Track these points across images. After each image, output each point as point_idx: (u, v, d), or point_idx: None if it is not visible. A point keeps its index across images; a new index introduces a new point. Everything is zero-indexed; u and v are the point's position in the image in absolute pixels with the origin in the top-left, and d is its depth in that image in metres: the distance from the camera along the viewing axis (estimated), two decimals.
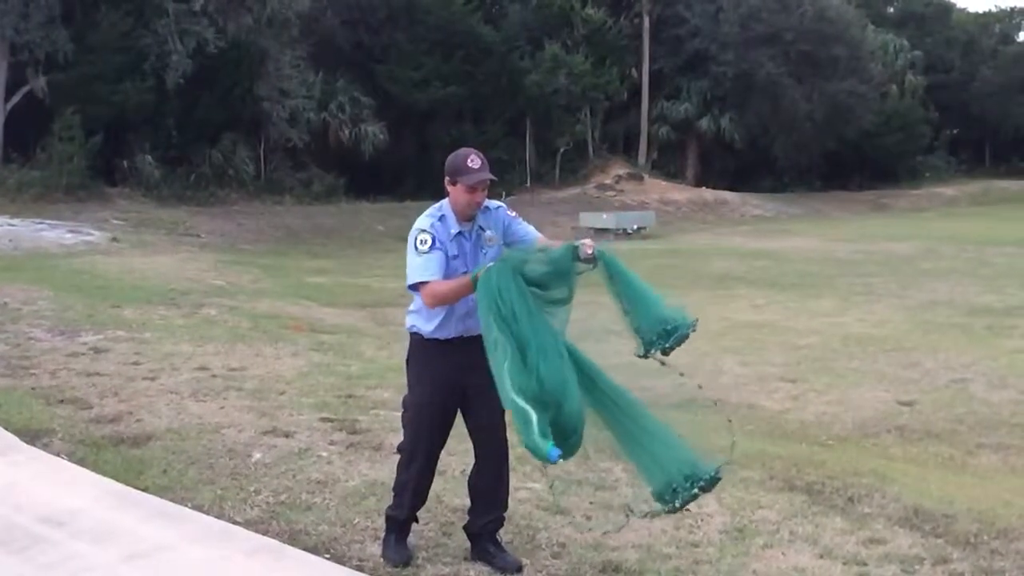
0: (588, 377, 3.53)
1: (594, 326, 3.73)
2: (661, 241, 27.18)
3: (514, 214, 3.92)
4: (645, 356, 3.54)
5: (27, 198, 23.88)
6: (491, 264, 3.54)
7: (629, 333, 3.54)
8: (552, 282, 3.53)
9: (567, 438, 3.34)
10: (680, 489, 3.31)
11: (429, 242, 3.70)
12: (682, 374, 3.70)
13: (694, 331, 3.57)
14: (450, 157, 3.81)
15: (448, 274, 3.69)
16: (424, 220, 3.77)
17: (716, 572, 3.86)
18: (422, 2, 33.67)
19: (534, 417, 3.22)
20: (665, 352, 3.54)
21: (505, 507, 3.95)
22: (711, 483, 3.36)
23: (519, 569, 3.82)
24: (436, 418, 3.84)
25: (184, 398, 6.43)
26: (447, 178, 3.77)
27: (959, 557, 4.06)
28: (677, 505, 3.36)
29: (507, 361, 3.32)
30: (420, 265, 3.68)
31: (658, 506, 3.40)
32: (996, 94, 50.99)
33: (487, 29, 35.35)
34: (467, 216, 3.79)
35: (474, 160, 3.73)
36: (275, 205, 28.67)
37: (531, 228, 3.94)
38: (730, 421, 3.54)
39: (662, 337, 3.52)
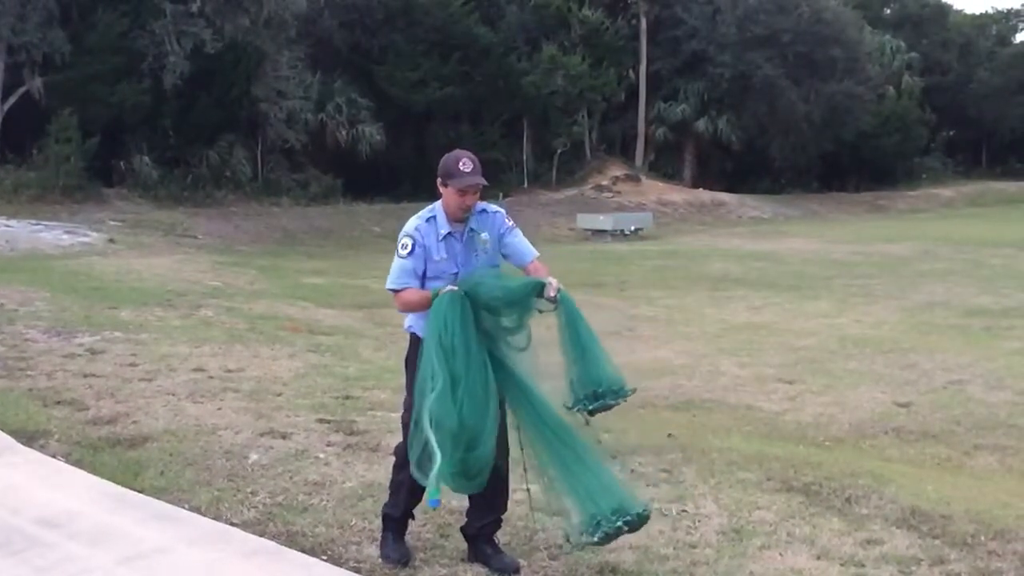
0: (533, 409, 3.59)
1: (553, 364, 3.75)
2: (658, 242, 27.19)
3: (512, 223, 3.89)
4: (570, 410, 3.59)
5: (24, 199, 23.83)
6: (448, 289, 3.60)
7: (564, 381, 3.62)
8: (504, 310, 3.61)
9: (471, 478, 3.48)
10: (604, 522, 3.38)
11: (409, 247, 3.75)
12: (600, 437, 3.85)
13: (624, 401, 3.65)
14: (444, 158, 3.81)
15: (435, 275, 3.73)
16: (412, 222, 3.81)
17: (713, 573, 3.86)
18: (419, 3, 33.65)
19: (437, 462, 3.32)
20: (591, 413, 3.60)
21: (504, 509, 3.95)
22: (638, 520, 3.45)
23: (517, 570, 3.82)
24: None
25: (181, 399, 6.43)
26: (439, 179, 3.78)
27: (956, 558, 4.06)
28: (598, 538, 3.43)
29: (434, 393, 3.39)
30: (396, 270, 3.77)
31: (584, 538, 3.45)
32: (993, 96, 51.05)
33: (484, 30, 35.35)
34: (458, 218, 3.78)
35: (466, 163, 3.72)
36: (272, 206, 28.63)
37: (526, 245, 3.90)
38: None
39: (589, 399, 3.59)
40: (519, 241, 3.89)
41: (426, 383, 3.45)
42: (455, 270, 3.77)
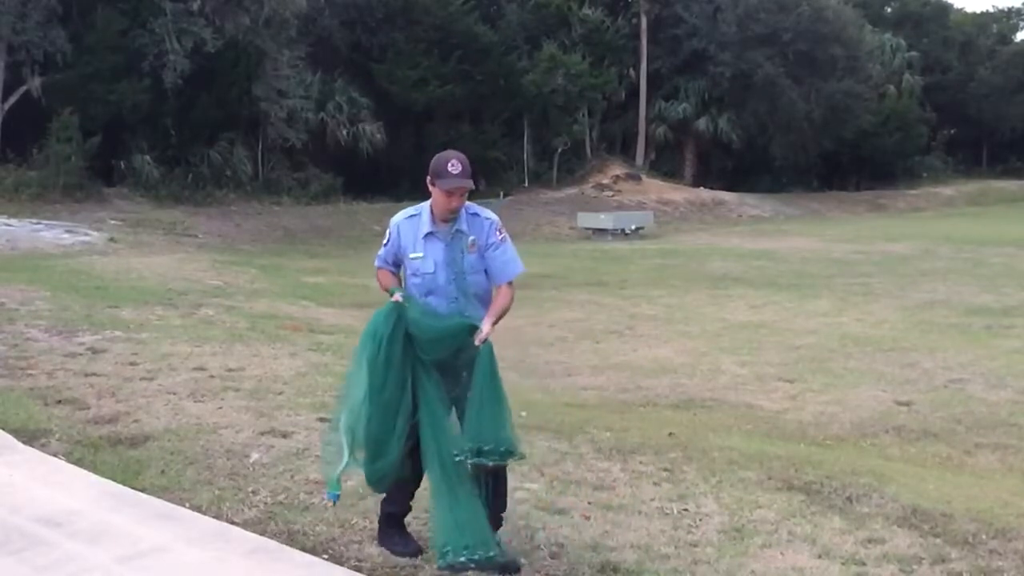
0: (433, 432, 3.73)
1: None
2: (659, 241, 27.18)
3: (502, 237, 3.86)
4: (455, 456, 3.70)
5: (24, 198, 23.84)
6: (395, 298, 3.77)
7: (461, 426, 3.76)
8: (427, 348, 3.75)
9: (379, 479, 3.84)
10: (451, 553, 3.57)
11: (386, 238, 3.96)
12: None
13: (504, 463, 3.79)
14: (435, 157, 3.84)
15: (412, 272, 3.86)
16: (396, 216, 3.97)
17: (714, 572, 3.86)
18: (419, 2, 33.64)
19: (344, 461, 3.71)
20: (473, 460, 3.71)
21: (503, 508, 3.96)
22: (487, 561, 3.59)
23: (517, 569, 3.82)
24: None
25: (182, 398, 6.43)
26: (428, 178, 3.80)
27: (957, 556, 4.06)
28: (438, 566, 3.64)
29: (351, 400, 3.72)
30: (380, 252, 4.02)
31: (437, 560, 3.65)
32: (993, 94, 51.06)
33: (484, 29, 35.34)
34: (444, 219, 3.81)
35: (455, 165, 3.74)
36: (273, 205, 28.64)
37: (507, 264, 3.85)
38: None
39: (472, 452, 3.67)
40: (500, 258, 3.85)
41: (349, 385, 3.79)
42: (431, 270, 3.82)
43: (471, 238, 3.81)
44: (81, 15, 26.24)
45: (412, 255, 3.84)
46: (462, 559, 3.57)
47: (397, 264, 3.97)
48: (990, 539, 4.26)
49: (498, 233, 3.86)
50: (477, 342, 3.66)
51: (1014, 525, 4.45)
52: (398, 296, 3.79)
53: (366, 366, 3.70)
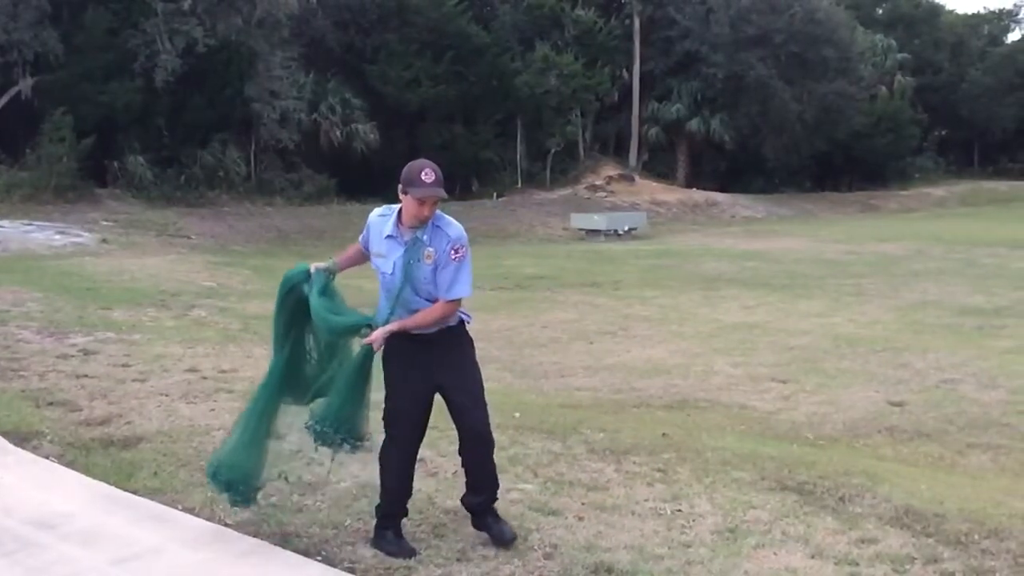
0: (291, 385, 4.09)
1: None
2: (652, 242, 27.22)
3: (458, 257, 3.81)
4: (306, 425, 3.99)
5: (16, 199, 23.77)
6: (320, 274, 3.97)
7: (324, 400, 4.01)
8: (319, 333, 4.02)
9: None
10: (324, 430, 3.92)
11: (365, 227, 4.06)
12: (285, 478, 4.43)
13: (341, 449, 4.03)
14: (407, 166, 3.84)
15: (376, 267, 3.95)
16: (375, 210, 4.05)
17: (708, 572, 3.86)
18: (412, 3, 33.63)
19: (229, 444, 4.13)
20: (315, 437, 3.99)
21: (493, 486, 4.06)
22: (351, 441, 3.96)
23: (513, 538, 4.01)
24: (403, 416, 4.01)
25: (174, 400, 6.41)
26: (400, 186, 3.80)
27: (950, 556, 4.07)
28: (313, 432, 3.97)
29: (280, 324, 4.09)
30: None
31: (310, 423, 3.97)
32: (984, 95, 51.27)
33: (477, 30, 35.33)
34: (412, 225, 3.82)
35: (428, 174, 3.74)
36: (266, 206, 28.60)
37: (452, 283, 3.81)
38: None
39: (318, 425, 3.95)
40: (450, 277, 3.82)
41: (274, 340, 4.13)
42: (390, 271, 3.87)
43: (429, 249, 3.80)
44: (72, 15, 26.18)
45: (375, 253, 3.94)
46: (325, 428, 3.91)
47: (366, 249, 4.08)
48: (983, 539, 4.27)
49: (454, 252, 3.81)
50: (364, 340, 3.82)
51: (1006, 525, 4.46)
52: (317, 265, 4.02)
53: (283, 317, 4.09)
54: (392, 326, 3.83)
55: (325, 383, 4.02)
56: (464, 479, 4.12)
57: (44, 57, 25.36)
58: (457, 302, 3.86)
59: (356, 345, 3.94)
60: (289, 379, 4.09)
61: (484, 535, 4.08)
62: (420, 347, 3.91)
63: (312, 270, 4.01)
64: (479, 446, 3.97)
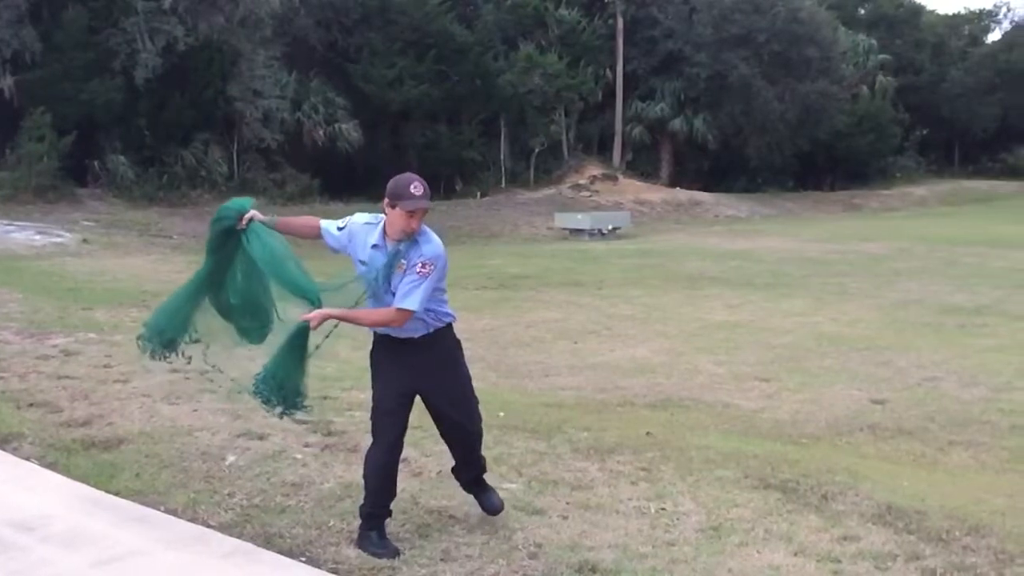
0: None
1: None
2: (636, 241, 27.26)
3: (422, 272, 3.83)
4: (251, 392, 4.14)
5: None
6: (255, 216, 4.13)
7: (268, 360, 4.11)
8: (267, 275, 4.10)
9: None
10: (263, 393, 4.06)
11: (343, 223, 4.09)
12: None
13: (253, 395, 4.16)
14: (393, 180, 3.90)
15: (360, 275, 3.97)
16: (359, 216, 4.07)
17: (692, 571, 3.88)
18: (395, 2, 33.55)
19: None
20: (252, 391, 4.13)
21: (479, 462, 4.28)
22: (283, 403, 4.09)
23: (501, 507, 4.26)
24: (387, 417, 4.03)
25: (156, 401, 6.38)
26: (387, 200, 3.85)
27: (931, 553, 4.10)
28: (252, 390, 4.11)
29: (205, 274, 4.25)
30: (332, 221, 4.20)
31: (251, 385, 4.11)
32: (965, 95, 51.59)
33: (460, 29, 35.30)
34: (397, 238, 3.87)
35: (416, 187, 3.82)
36: None
37: (406, 296, 3.83)
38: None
39: (262, 387, 4.09)
40: (406, 287, 3.84)
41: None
42: (374, 277, 3.92)
43: (402, 261, 3.87)
44: (51, 14, 25.96)
45: (359, 260, 3.98)
46: (264, 389, 4.09)
47: (334, 242, 4.10)
48: (964, 535, 4.30)
49: (421, 266, 3.84)
50: (302, 317, 3.91)
51: (987, 522, 4.49)
52: (251, 215, 4.13)
53: (216, 256, 4.26)
54: (333, 312, 3.89)
55: (249, 328, 4.20)
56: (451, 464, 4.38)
57: (23, 55, 25.14)
58: (405, 313, 3.86)
59: (294, 313, 4.04)
60: (210, 282, 4.26)
61: (469, 537, 4.10)
62: (405, 349, 3.99)
63: (253, 217, 4.12)
64: (460, 446, 4.21)
